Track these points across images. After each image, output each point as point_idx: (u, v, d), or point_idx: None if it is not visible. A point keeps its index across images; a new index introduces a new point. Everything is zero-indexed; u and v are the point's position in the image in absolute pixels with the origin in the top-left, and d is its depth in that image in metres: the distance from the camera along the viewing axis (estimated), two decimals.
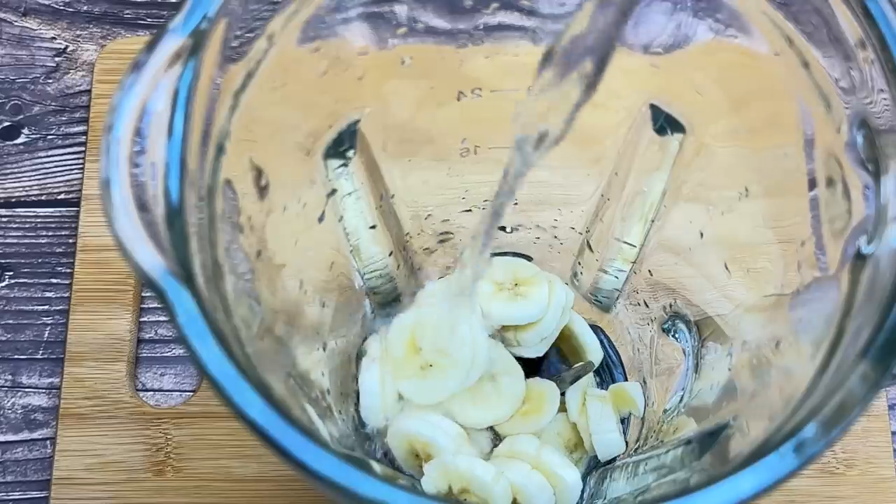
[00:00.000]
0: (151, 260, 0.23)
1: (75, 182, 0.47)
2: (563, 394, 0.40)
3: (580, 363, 0.41)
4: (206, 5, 0.25)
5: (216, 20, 0.25)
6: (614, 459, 0.39)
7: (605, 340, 0.43)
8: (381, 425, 0.39)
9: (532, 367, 0.40)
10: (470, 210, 0.41)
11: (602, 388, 0.41)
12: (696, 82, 0.32)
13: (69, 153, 0.48)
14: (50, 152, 0.48)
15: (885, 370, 0.23)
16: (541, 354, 0.40)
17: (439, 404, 0.38)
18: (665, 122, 0.34)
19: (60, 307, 0.45)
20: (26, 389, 0.44)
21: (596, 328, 0.42)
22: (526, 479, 0.36)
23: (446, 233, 0.42)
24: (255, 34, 0.27)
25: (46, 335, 0.45)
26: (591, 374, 0.41)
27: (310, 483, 0.22)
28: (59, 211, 0.47)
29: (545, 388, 0.40)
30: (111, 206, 0.23)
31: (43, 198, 0.47)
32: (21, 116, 0.48)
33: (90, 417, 0.42)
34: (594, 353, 0.41)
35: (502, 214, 0.31)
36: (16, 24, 0.50)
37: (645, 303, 0.41)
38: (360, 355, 0.40)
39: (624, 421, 0.40)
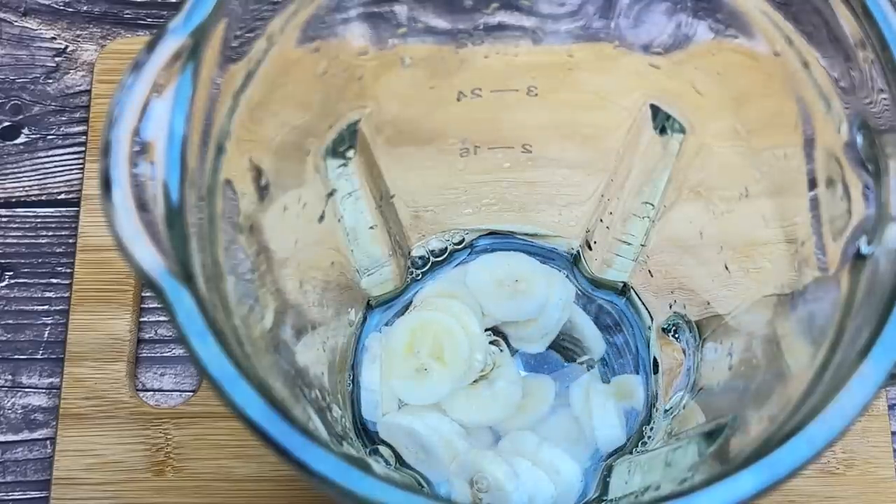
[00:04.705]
0: (151, 260, 0.23)
1: (75, 182, 0.47)
2: (566, 387, 0.40)
3: (583, 358, 0.41)
4: (206, 5, 0.25)
5: (216, 20, 0.25)
6: (618, 456, 0.39)
7: (609, 332, 0.43)
8: (380, 422, 0.39)
9: (535, 362, 0.40)
10: (470, 210, 0.41)
11: (605, 381, 0.41)
12: (697, 82, 0.32)
13: (69, 153, 0.48)
14: (50, 152, 0.48)
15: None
16: (543, 350, 0.40)
17: (435, 403, 0.38)
18: (665, 122, 0.34)
19: (60, 307, 0.45)
20: (26, 389, 0.44)
21: (604, 317, 0.42)
22: (527, 475, 0.37)
23: (446, 233, 0.42)
24: (255, 34, 0.27)
25: (46, 335, 0.45)
26: (594, 368, 0.41)
27: (310, 483, 0.22)
28: (59, 211, 0.47)
29: (542, 382, 0.40)
30: (111, 206, 0.23)
31: (43, 198, 0.47)
32: (21, 116, 0.48)
33: (90, 417, 0.42)
34: (596, 347, 0.41)
35: None
36: (16, 24, 0.50)
37: (644, 302, 0.41)
38: (359, 354, 0.40)
39: (627, 419, 0.40)
